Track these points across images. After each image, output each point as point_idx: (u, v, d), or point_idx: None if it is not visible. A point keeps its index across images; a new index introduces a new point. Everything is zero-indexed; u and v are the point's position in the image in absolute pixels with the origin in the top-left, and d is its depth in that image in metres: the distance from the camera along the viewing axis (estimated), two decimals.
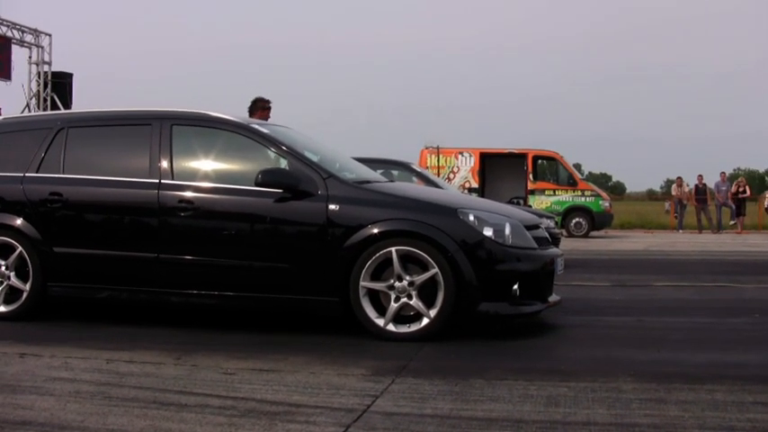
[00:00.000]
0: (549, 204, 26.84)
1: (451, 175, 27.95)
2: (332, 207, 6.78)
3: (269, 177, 6.88)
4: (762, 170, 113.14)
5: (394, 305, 6.59)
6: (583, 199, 27.38)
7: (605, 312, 8.51)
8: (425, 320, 6.54)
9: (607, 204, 27.73)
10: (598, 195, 27.73)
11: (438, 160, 27.88)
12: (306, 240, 6.88)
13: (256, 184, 6.89)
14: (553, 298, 7.31)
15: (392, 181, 9.02)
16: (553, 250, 7.49)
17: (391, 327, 6.60)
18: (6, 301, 7.54)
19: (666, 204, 34.53)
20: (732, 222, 31.43)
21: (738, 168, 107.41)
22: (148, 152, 7.33)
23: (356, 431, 4.17)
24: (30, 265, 7.45)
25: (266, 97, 10.90)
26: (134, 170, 7.36)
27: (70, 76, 28.70)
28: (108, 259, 7.28)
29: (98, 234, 7.41)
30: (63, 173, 7.57)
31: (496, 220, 6.83)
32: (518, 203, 20.12)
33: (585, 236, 26.62)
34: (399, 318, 6.61)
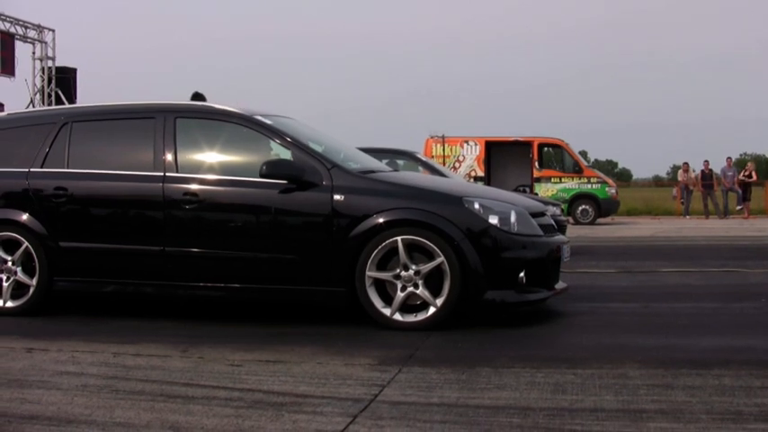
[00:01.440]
0: (555, 192, 26.82)
1: (457, 164, 27.93)
2: (337, 197, 6.77)
3: (273, 169, 6.87)
4: None
5: (400, 294, 6.59)
6: (589, 186, 27.34)
7: (612, 299, 8.50)
8: (432, 309, 6.54)
9: (613, 191, 27.71)
10: (604, 182, 27.70)
11: (443, 149, 27.88)
12: (311, 231, 6.87)
13: (261, 176, 6.89)
14: (560, 285, 7.30)
15: (397, 170, 9.02)
16: (559, 237, 7.48)
17: (398, 316, 6.60)
18: (13, 297, 7.55)
19: (673, 190, 34.38)
20: (739, 208, 31.36)
21: (745, 153, 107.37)
22: (153, 145, 7.33)
23: (363, 421, 4.17)
24: (36, 260, 7.46)
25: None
26: (138, 163, 7.36)
27: (74, 71, 28.71)
28: (113, 253, 7.29)
29: (103, 228, 7.42)
30: (68, 167, 7.58)
31: (502, 207, 6.82)
32: (524, 191, 20.12)
33: (592, 223, 26.61)
34: (406, 307, 6.61)
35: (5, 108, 15.93)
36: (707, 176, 31.46)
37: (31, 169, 7.65)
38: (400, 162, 13.33)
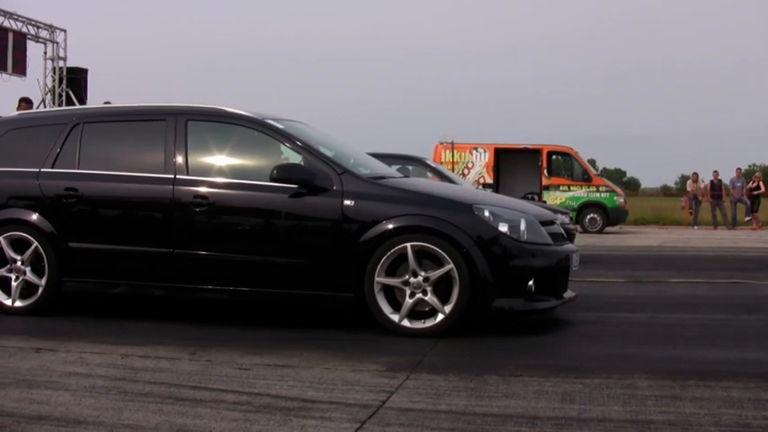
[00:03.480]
0: (563, 200, 26.80)
1: (466, 171, 27.92)
2: (347, 203, 6.78)
3: (284, 173, 6.88)
4: None
5: (409, 301, 6.58)
6: (597, 195, 27.32)
7: (620, 309, 8.49)
8: (440, 316, 6.53)
9: (622, 200, 27.67)
10: (613, 191, 27.67)
11: (452, 156, 27.86)
12: (321, 236, 6.88)
13: (271, 180, 6.90)
14: (568, 294, 7.29)
15: (407, 176, 9.02)
16: (568, 246, 7.47)
17: (406, 322, 6.59)
18: (22, 296, 7.56)
19: (682, 200, 34.33)
20: (747, 219, 31.30)
21: (754, 164, 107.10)
22: (163, 147, 7.34)
23: (371, 427, 4.17)
24: (45, 261, 7.47)
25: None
26: (149, 165, 7.38)
27: (85, 71, 28.70)
28: (123, 254, 7.30)
29: (113, 229, 7.43)
30: (78, 168, 7.59)
31: (511, 215, 6.82)
32: (532, 199, 20.09)
33: (600, 232, 26.56)
34: (414, 313, 6.61)
35: (33, 105, 15.98)
36: (716, 187, 31.41)
37: (42, 169, 7.67)
38: (410, 168, 13.33)
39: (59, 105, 26.17)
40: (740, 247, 19.67)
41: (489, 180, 27.91)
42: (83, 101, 26.87)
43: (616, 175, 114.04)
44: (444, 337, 6.45)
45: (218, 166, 7.34)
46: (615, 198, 27.41)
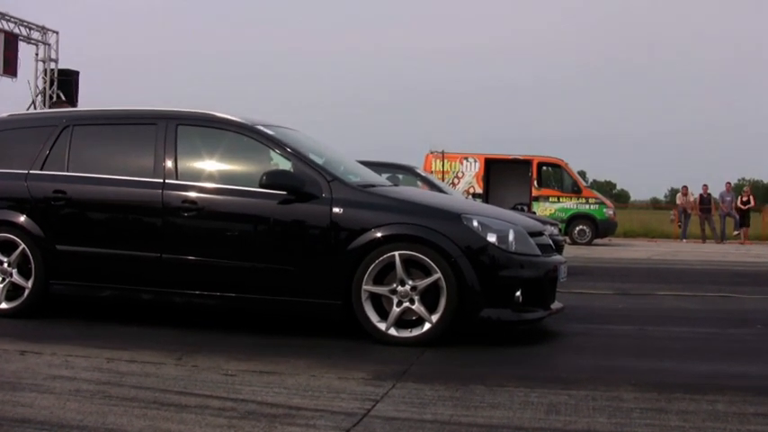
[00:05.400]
0: (553, 211, 26.82)
1: (456, 180, 27.96)
2: (336, 210, 6.77)
3: (273, 179, 6.87)
4: (767, 180, 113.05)
5: (396, 309, 6.57)
6: (587, 206, 27.36)
7: (608, 321, 8.49)
8: (427, 325, 6.53)
9: (611, 212, 27.73)
10: (602, 203, 27.74)
11: (443, 165, 27.89)
12: (309, 243, 6.87)
13: (260, 186, 6.89)
14: (556, 305, 7.29)
15: (397, 185, 9.02)
16: (556, 257, 7.47)
17: (393, 331, 6.58)
18: (8, 298, 7.52)
19: (671, 213, 34.45)
20: (736, 233, 31.37)
21: (743, 178, 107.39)
22: (153, 152, 7.33)
23: None
24: (32, 263, 7.44)
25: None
26: (138, 169, 7.36)
27: (76, 73, 28.65)
28: (111, 258, 7.28)
29: (101, 233, 7.41)
30: (67, 171, 7.57)
31: (500, 226, 6.82)
32: (522, 210, 20.12)
33: (589, 243, 26.59)
34: (401, 322, 6.60)
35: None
36: (705, 200, 31.50)
37: (31, 171, 7.65)
38: (400, 176, 13.34)
39: (50, 108, 26.11)
40: (729, 261, 19.70)
41: (479, 190, 27.95)
42: (74, 103, 26.83)
43: (606, 188, 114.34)
44: (431, 347, 6.44)
45: (208, 171, 7.33)
46: (605, 210, 27.47)
